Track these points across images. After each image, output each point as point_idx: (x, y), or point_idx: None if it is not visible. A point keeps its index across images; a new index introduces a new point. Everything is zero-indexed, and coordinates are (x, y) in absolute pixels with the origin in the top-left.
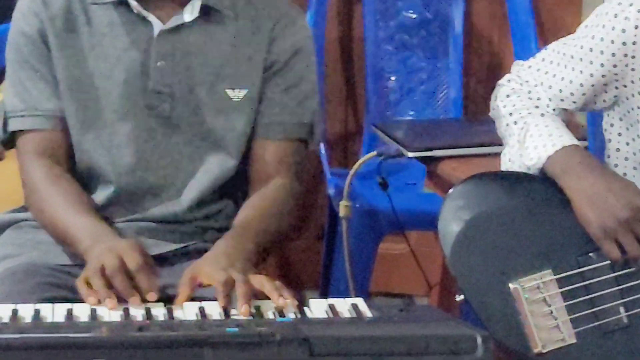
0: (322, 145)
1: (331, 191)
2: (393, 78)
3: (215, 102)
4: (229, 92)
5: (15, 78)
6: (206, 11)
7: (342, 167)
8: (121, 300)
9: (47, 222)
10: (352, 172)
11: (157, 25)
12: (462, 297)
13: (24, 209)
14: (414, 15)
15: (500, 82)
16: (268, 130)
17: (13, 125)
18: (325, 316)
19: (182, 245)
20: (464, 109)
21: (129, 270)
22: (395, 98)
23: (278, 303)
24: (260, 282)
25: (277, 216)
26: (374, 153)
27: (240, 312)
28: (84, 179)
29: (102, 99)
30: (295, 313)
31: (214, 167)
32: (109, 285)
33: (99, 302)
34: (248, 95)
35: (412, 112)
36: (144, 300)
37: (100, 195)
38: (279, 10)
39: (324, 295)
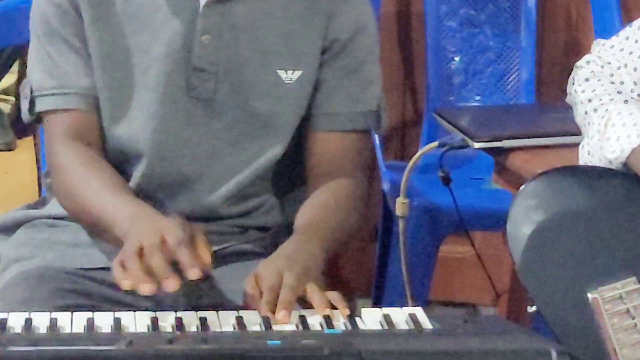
0: (375, 136)
1: (386, 187)
2: (457, 58)
3: (264, 84)
4: (281, 73)
5: (43, 52)
6: None
7: (399, 160)
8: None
9: (78, 207)
10: (410, 165)
11: None
12: (534, 308)
13: (38, 204)
14: None
15: (578, 63)
16: (330, 121)
17: (41, 105)
18: (380, 327)
19: (219, 247)
20: (537, 94)
21: (170, 249)
22: (459, 81)
23: (322, 313)
24: (312, 290)
25: (343, 215)
26: (435, 144)
27: (276, 319)
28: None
29: (138, 76)
30: (345, 324)
31: (258, 155)
32: (147, 268)
33: (134, 286)
34: (302, 78)
35: (478, 97)
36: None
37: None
38: None
39: (378, 304)
